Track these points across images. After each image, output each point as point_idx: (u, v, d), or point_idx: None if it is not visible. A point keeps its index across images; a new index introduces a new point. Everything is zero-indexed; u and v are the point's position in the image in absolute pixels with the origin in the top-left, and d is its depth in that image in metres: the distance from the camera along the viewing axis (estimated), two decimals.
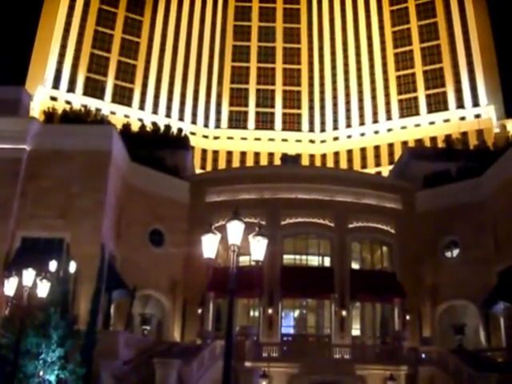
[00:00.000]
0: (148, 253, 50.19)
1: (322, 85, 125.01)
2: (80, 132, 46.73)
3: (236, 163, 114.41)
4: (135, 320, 48.60)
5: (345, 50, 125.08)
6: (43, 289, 26.79)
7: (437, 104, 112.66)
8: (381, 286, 51.02)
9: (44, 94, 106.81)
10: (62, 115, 54.59)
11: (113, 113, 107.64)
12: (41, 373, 29.25)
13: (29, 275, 26.17)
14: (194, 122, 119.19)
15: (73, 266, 35.01)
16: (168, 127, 64.58)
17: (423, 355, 45.80)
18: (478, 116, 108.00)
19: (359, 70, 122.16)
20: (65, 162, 44.04)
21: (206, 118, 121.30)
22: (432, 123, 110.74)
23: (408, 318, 51.12)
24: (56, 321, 30.43)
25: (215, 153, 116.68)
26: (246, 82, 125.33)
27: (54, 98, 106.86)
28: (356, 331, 52.02)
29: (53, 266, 31.78)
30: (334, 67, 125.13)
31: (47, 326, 30.17)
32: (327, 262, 53.71)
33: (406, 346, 47.04)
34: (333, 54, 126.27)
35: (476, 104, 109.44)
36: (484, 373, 39.30)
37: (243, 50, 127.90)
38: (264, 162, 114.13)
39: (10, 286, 28.27)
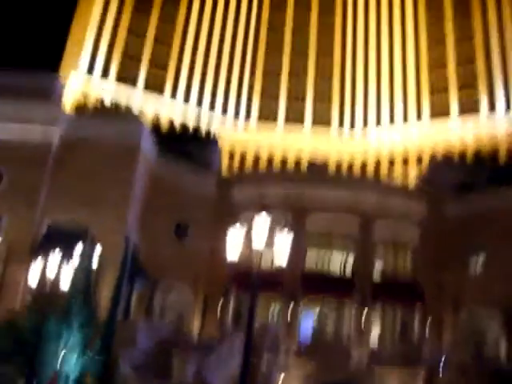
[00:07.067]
0: (172, 245, 50.45)
1: (353, 83, 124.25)
2: (110, 123, 47.02)
3: (264, 158, 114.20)
4: (156, 310, 48.99)
5: (378, 43, 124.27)
6: (67, 275, 27.16)
7: (469, 109, 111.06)
8: (403, 290, 50.77)
9: (77, 82, 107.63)
10: (94, 104, 55.12)
11: (144, 100, 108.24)
12: (61, 357, 29.74)
13: (53, 261, 26.56)
14: (224, 113, 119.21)
15: (97, 255, 35.46)
16: (197, 129, 64.49)
17: (442, 361, 45.60)
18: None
19: (391, 68, 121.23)
20: (94, 151, 44.40)
21: (236, 110, 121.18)
22: (463, 129, 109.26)
23: (429, 322, 50.86)
24: (78, 307, 30.88)
25: (243, 147, 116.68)
26: (277, 77, 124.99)
27: (87, 86, 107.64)
28: (376, 333, 51.88)
29: (77, 253, 32.21)
30: (366, 61, 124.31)
31: (69, 312, 30.65)
32: (350, 263, 53.52)
33: (426, 351, 46.88)
34: (365, 51, 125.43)
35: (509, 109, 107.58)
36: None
37: (276, 44, 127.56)
38: (292, 157, 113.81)
39: (35, 272, 28.73)
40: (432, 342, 48.96)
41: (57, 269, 27.25)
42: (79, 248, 32.66)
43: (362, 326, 49.56)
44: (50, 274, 27.12)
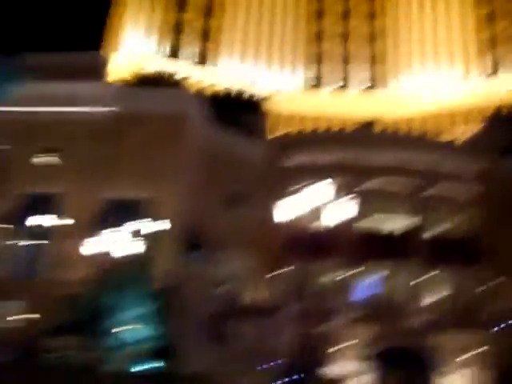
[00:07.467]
0: (225, 214, 50.54)
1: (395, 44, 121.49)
2: (158, 95, 47.55)
3: (312, 126, 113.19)
4: (211, 279, 49.31)
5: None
6: (125, 248, 27.47)
7: None
8: (462, 252, 50.06)
9: (122, 57, 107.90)
10: (140, 78, 55.35)
11: (190, 73, 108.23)
12: (119, 329, 30.25)
13: (112, 235, 26.84)
14: (269, 84, 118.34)
15: (154, 227, 35.78)
16: (242, 92, 64.03)
17: (504, 325, 44.83)
18: None
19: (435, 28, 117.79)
20: (144, 124, 44.85)
21: (282, 80, 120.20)
22: None
23: (490, 284, 49.93)
24: (135, 280, 31.28)
25: (291, 115, 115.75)
26: (322, 43, 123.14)
27: (132, 61, 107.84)
28: (435, 297, 51.28)
29: (134, 226, 32.56)
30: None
31: (127, 284, 31.07)
32: (405, 226, 52.91)
33: (486, 315, 46.15)
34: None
35: None
36: None
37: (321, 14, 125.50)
38: (340, 124, 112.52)
39: (95, 246, 29.11)
40: (493, 305, 48.09)
41: (115, 242, 27.59)
42: (136, 221, 33.04)
43: (421, 289, 49.05)
44: (109, 248, 27.50)
